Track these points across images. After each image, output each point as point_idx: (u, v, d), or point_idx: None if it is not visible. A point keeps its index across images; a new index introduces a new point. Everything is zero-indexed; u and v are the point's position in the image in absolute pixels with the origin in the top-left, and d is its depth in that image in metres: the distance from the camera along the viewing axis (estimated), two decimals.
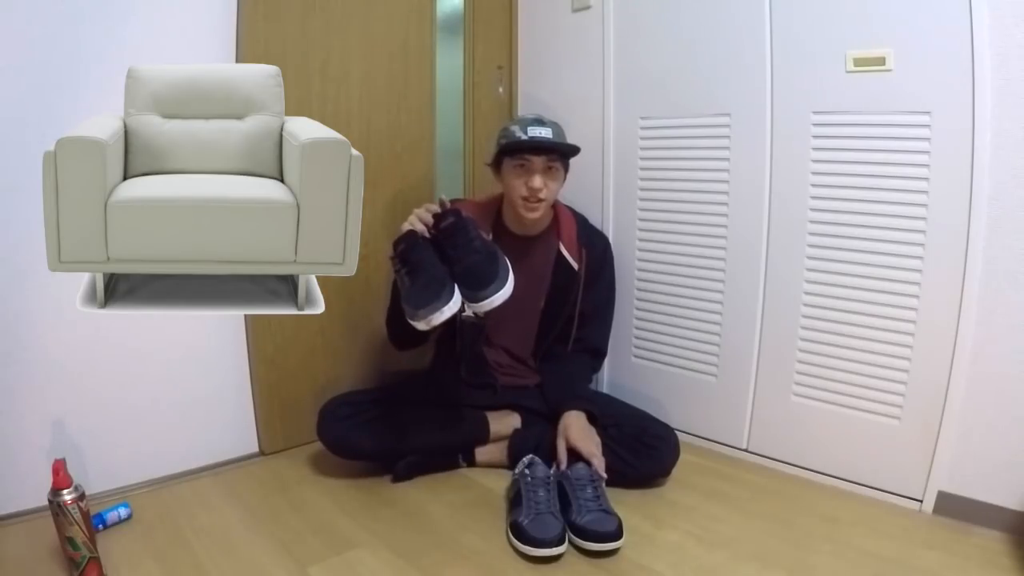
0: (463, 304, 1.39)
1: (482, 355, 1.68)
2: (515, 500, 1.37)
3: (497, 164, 1.57)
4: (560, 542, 1.24)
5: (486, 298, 1.21)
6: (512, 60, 2.07)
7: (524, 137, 1.48)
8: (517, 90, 2.09)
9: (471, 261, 1.29)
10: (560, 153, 1.51)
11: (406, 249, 1.34)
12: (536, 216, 1.54)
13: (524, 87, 2.08)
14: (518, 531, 1.27)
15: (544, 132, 1.49)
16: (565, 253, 1.62)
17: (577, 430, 1.46)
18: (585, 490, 1.33)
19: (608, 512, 1.29)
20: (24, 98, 1.26)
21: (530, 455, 1.41)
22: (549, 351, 1.68)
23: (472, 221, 1.37)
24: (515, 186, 1.52)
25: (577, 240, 1.63)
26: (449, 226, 1.34)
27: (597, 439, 1.47)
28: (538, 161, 1.49)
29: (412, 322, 1.28)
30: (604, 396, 1.79)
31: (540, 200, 1.51)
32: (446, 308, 1.24)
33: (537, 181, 1.49)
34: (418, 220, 1.37)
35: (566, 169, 1.57)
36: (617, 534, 1.25)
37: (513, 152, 1.50)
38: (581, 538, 1.25)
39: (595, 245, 1.67)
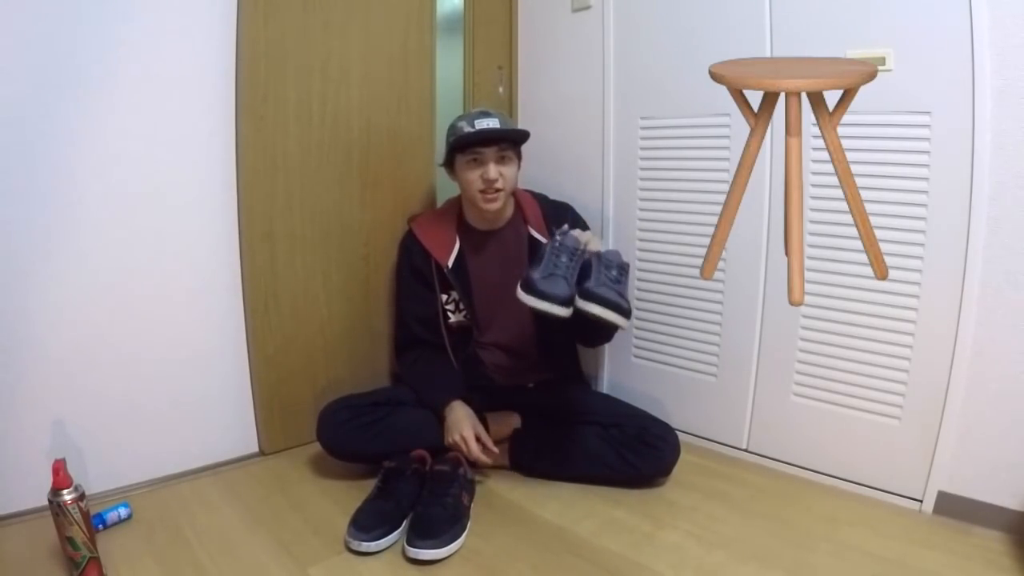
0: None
1: (475, 356, 1.68)
2: (534, 261, 1.38)
3: (450, 163, 1.58)
4: (565, 304, 1.26)
5: (414, 547, 1.22)
6: (512, 60, 2.08)
7: (472, 131, 1.49)
8: (517, 90, 2.09)
9: (430, 512, 1.29)
10: (511, 140, 1.53)
11: (393, 471, 1.40)
12: (497, 206, 1.55)
13: (524, 87, 2.08)
14: (528, 284, 1.28)
15: (491, 123, 1.51)
16: (536, 235, 1.62)
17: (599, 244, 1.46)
18: (611, 270, 1.34)
19: (622, 297, 1.30)
20: (24, 98, 1.26)
21: (565, 226, 1.43)
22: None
23: (461, 479, 1.39)
24: (471, 180, 1.53)
25: (544, 219, 1.65)
26: (439, 473, 1.38)
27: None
28: (490, 152, 1.51)
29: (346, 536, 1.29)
30: (604, 396, 1.79)
31: (498, 190, 1.52)
32: (366, 545, 1.24)
33: (492, 171, 1.50)
34: (470, 447, 1.45)
35: (519, 156, 1.59)
36: (622, 309, 1.26)
37: (464, 147, 1.52)
38: (584, 298, 1.27)
39: (561, 218, 1.66)
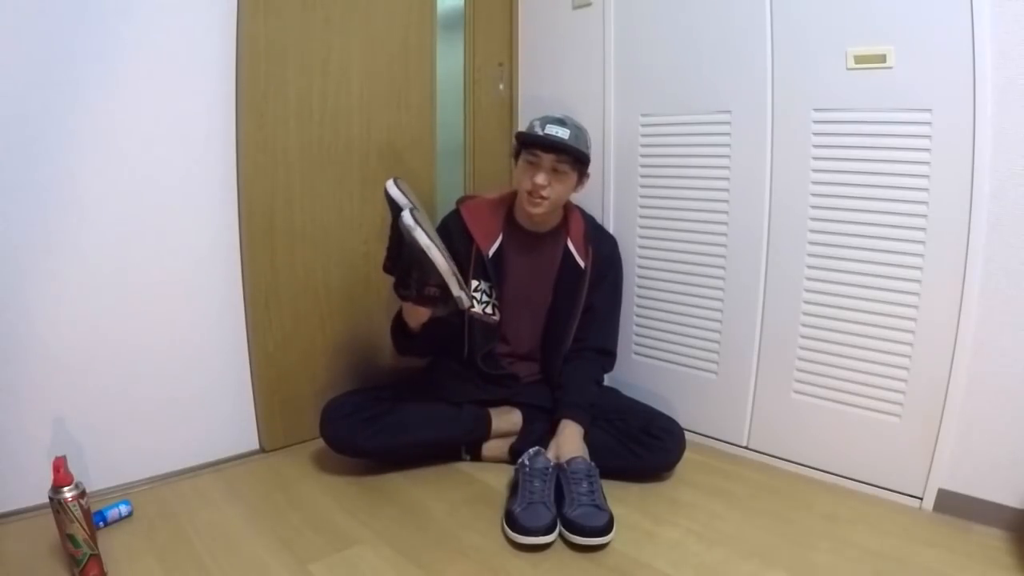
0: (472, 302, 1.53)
1: (495, 350, 1.68)
2: (513, 490, 1.39)
3: (517, 155, 1.58)
4: (548, 532, 1.25)
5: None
6: (513, 57, 2.07)
7: (539, 132, 1.49)
8: (518, 87, 2.08)
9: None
10: (571, 156, 1.50)
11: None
12: (538, 212, 1.54)
13: (525, 84, 2.08)
14: (510, 519, 1.29)
15: (561, 132, 1.49)
16: (573, 250, 1.62)
17: (569, 448, 1.45)
18: (580, 484, 1.33)
19: (600, 507, 1.29)
20: (24, 96, 1.26)
21: (536, 447, 1.42)
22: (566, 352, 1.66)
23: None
24: (523, 179, 1.53)
25: (584, 239, 1.64)
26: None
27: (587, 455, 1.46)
28: (547, 158, 1.49)
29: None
30: (609, 389, 1.79)
31: (543, 198, 1.51)
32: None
33: (541, 178, 1.49)
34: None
35: (580, 175, 1.56)
36: (604, 529, 1.25)
37: (527, 145, 1.52)
38: (569, 531, 1.26)
39: (603, 244, 1.68)
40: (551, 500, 1.31)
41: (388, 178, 1.81)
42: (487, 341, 1.65)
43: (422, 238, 1.29)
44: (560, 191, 1.53)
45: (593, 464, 1.39)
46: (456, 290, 1.34)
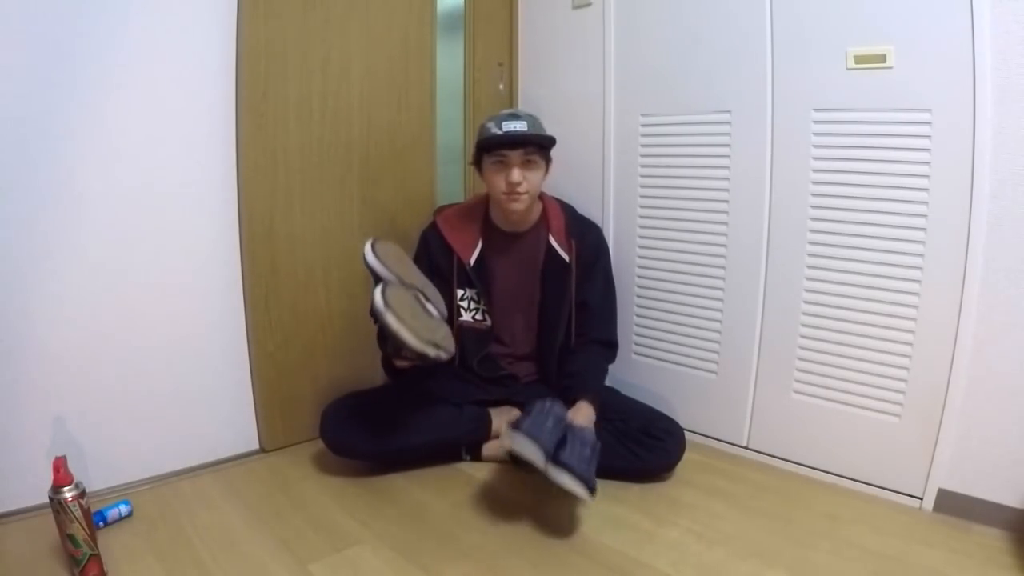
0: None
1: (491, 353, 1.68)
2: (524, 414, 1.38)
3: (479, 163, 1.57)
4: (546, 455, 1.25)
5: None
6: (513, 57, 2.07)
7: (499, 132, 1.49)
8: (518, 87, 2.08)
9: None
10: (537, 145, 1.51)
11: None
12: (520, 207, 1.54)
13: (525, 84, 2.08)
14: (517, 426, 1.30)
15: (519, 125, 1.50)
16: (555, 245, 1.62)
17: (582, 422, 1.44)
18: (584, 448, 1.32)
19: (591, 474, 1.28)
20: (23, 96, 1.26)
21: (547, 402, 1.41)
22: (564, 347, 1.66)
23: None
24: (495, 182, 1.53)
25: (566, 231, 1.63)
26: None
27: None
28: (514, 155, 1.49)
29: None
30: (608, 389, 1.78)
31: (521, 193, 1.51)
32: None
33: (515, 175, 1.49)
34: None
35: (547, 160, 1.57)
36: (590, 484, 1.24)
37: (490, 148, 1.51)
38: (558, 466, 1.25)
39: (585, 235, 1.67)
40: (553, 444, 1.30)
41: (389, 177, 1.82)
42: (481, 347, 1.65)
43: (392, 323, 1.24)
44: (535, 181, 1.54)
45: (599, 442, 1.38)
46: (432, 352, 1.29)
